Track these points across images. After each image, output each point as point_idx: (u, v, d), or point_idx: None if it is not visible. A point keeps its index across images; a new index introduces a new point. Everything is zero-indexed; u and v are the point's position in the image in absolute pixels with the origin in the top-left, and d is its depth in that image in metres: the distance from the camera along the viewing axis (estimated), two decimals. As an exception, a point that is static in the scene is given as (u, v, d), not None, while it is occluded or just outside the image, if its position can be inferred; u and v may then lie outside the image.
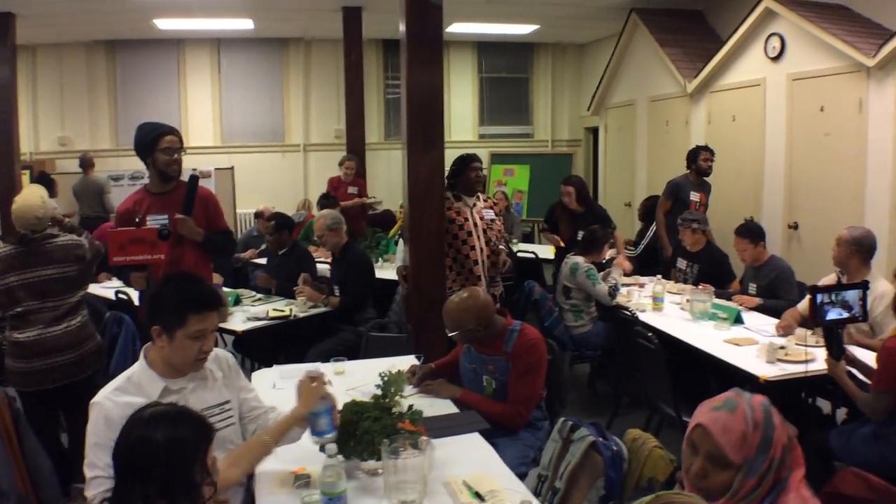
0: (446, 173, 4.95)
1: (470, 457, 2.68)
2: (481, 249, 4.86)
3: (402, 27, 4.57)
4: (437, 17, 4.51)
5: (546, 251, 7.57)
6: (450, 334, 3.31)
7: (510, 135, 12.34)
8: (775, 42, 6.92)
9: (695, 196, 6.77)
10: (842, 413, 4.40)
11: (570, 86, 12.39)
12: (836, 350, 3.52)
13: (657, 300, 5.14)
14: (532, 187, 10.85)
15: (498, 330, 3.33)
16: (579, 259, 5.37)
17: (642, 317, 4.90)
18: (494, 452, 2.75)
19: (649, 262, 6.84)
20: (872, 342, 4.07)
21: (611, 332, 5.22)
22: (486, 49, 12.04)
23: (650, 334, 4.15)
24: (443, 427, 2.91)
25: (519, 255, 7.16)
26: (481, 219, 4.93)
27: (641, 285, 5.84)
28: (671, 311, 5.11)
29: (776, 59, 6.94)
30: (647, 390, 4.43)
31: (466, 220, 4.86)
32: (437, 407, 3.21)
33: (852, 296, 3.54)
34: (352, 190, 8.68)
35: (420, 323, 4.50)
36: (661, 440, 4.33)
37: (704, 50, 8.19)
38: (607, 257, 5.95)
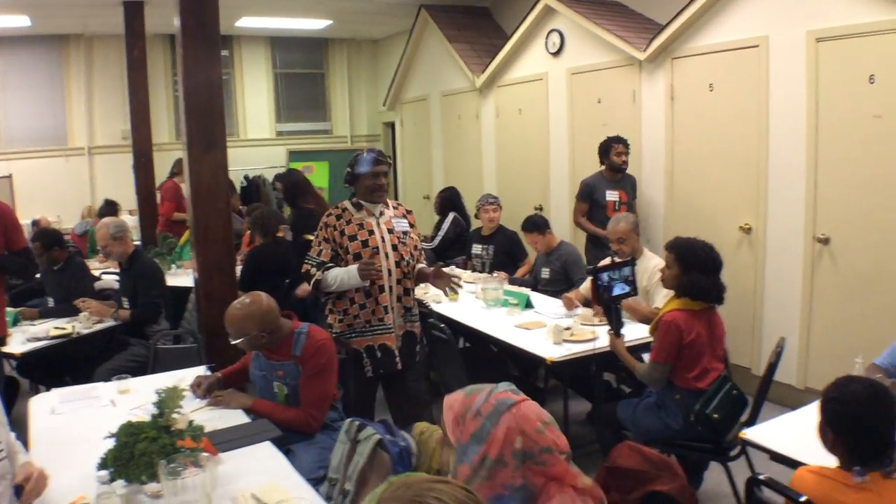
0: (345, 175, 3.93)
1: (261, 467, 2.62)
2: (389, 272, 3.80)
3: (176, 21, 4.36)
4: (214, 10, 4.33)
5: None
6: (233, 342, 3.22)
7: (308, 131, 12.20)
8: (555, 38, 7.22)
9: (612, 195, 6.11)
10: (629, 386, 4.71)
11: (367, 81, 12.43)
12: (616, 326, 3.75)
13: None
14: (332, 183, 10.78)
15: (285, 334, 3.27)
16: None
17: (439, 308, 4.99)
18: (286, 460, 2.70)
19: (448, 254, 6.98)
20: (643, 308, 4.40)
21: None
22: (279, 44, 11.82)
23: (443, 325, 4.22)
24: (232, 439, 2.83)
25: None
26: (390, 231, 3.88)
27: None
28: (467, 300, 5.24)
29: (556, 54, 7.25)
30: (445, 380, 4.52)
31: (371, 233, 3.82)
32: (229, 418, 3.11)
33: (629, 272, 3.78)
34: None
35: (212, 331, 4.33)
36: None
37: (491, 46, 8.44)
38: None
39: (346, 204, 3.92)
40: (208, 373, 3.56)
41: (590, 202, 6.17)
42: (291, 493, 2.35)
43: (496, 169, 8.35)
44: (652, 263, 4.53)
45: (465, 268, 6.29)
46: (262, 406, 3.22)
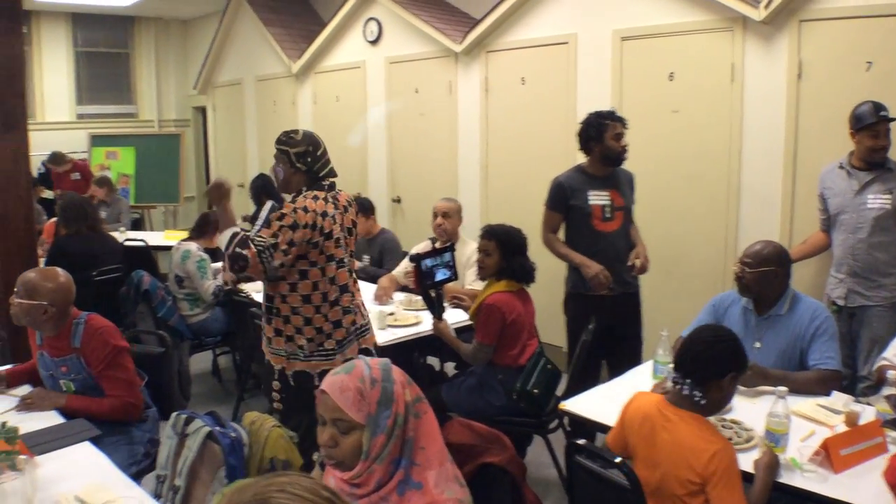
0: None
1: (83, 468, 2.48)
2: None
3: (-29, -6, 4.03)
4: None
5: (157, 238, 7.28)
6: (17, 301, 3.04)
7: (112, 115, 11.45)
8: (373, 26, 7.25)
9: (598, 198, 4.12)
10: (450, 367, 4.84)
11: (176, 63, 11.86)
12: (438, 310, 3.84)
13: (274, 279, 5.17)
14: (139, 170, 10.21)
15: (66, 323, 3.10)
16: (192, 246, 5.16)
17: (261, 297, 4.89)
18: (108, 459, 2.57)
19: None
20: (462, 290, 4.56)
21: (230, 316, 5.15)
22: (81, 21, 11.00)
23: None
24: (48, 441, 2.65)
25: (127, 243, 6.75)
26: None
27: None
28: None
29: (374, 42, 7.28)
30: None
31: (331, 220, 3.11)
32: (40, 419, 2.88)
33: (449, 257, 3.89)
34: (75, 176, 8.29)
35: (16, 327, 4.03)
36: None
37: (308, 31, 8.33)
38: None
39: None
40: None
41: (566, 211, 4.23)
42: (118, 493, 2.25)
43: (314, 156, 8.27)
44: (469, 249, 4.68)
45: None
46: (77, 402, 3.03)
